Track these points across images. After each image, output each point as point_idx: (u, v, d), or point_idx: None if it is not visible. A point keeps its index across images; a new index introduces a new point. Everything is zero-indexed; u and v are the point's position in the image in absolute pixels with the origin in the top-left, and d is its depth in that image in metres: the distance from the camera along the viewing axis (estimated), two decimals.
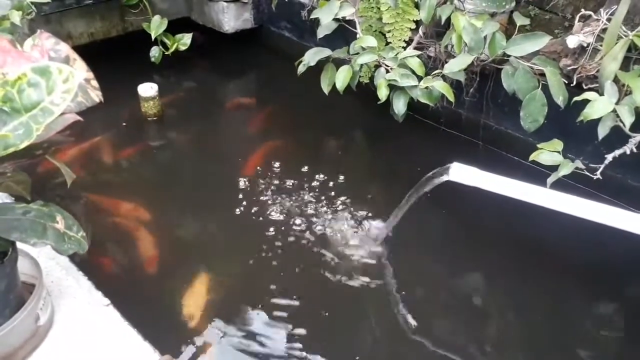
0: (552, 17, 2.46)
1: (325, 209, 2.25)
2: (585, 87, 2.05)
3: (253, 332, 1.77)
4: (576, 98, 1.86)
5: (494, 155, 2.55)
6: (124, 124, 2.81)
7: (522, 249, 2.08)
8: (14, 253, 1.28)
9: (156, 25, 3.03)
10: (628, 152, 1.87)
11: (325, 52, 2.40)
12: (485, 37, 2.08)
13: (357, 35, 2.40)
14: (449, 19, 2.17)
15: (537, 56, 2.09)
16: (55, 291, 1.51)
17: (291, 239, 2.11)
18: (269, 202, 2.28)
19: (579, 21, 2.09)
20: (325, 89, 2.40)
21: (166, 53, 3.11)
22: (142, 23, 3.10)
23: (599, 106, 1.78)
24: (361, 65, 2.34)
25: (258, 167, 2.49)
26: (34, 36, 1.29)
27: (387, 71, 2.24)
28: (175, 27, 3.16)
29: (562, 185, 1.78)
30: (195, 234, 2.16)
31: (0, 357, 1.29)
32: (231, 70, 3.43)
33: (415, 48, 2.42)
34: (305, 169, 2.47)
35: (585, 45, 2.05)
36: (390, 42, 2.54)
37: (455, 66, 2.12)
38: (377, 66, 2.30)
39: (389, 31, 2.53)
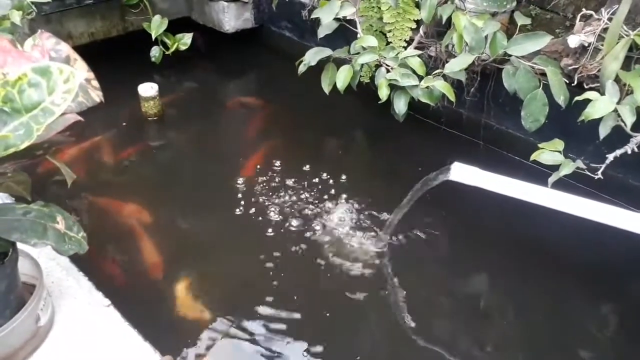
0: (553, 16, 2.46)
1: (325, 208, 2.25)
2: (586, 87, 2.05)
3: (254, 333, 1.76)
4: (577, 98, 1.86)
5: (494, 155, 2.54)
6: (124, 123, 2.81)
7: (522, 249, 2.08)
8: (14, 254, 1.28)
9: (156, 25, 3.03)
10: (629, 151, 1.87)
11: (326, 51, 2.40)
12: (486, 37, 2.08)
13: (358, 35, 2.40)
14: (449, 19, 2.17)
15: (538, 56, 2.09)
16: (55, 292, 1.51)
17: (291, 239, 2.11)
18: (269, 202, 2.28)
19: (580, 21, 2.09)
20: (326, 88, 2.39)
21: (166, 53, 3.11)
22: (142, 23, 3.10)
23: (600, 106, 1.78)
24: (362, 65, 2.34)
25: (258, 167, 2.49)
26: (35, 36, 1.29)
27: (388, 71, 2.24)
28: (175, 26, 3.16)
29: (563, 185, 1.78)
30: (196, 234, 2.16)
31: (1, 358, 1.29)
32: (232, 70, 3.43)
33: (416, 48, 2.42)
34: (305, 168, 2.47)
35: (586, 44, 2.05)
36: (391, 42, 2.53)
37: (456, 66, 2.12)
38: (378, 66, 2.30)
39: (389, 31, 2.53)
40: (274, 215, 2.21)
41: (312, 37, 2.90)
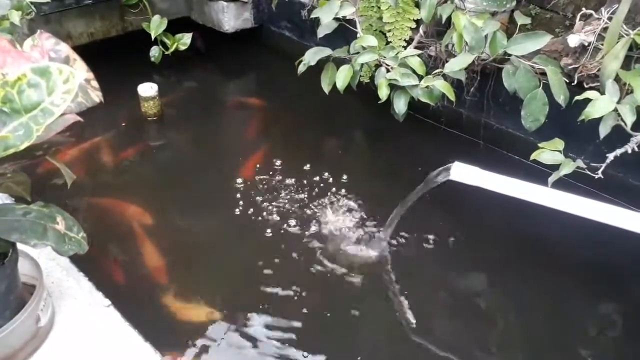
0: (553, 16, 2.46)
1: (325, 208, 2.25)
2: (586, 86, 2.05)
3: (254, 333, 1.76)
4: (577, 97, 1.85)
5: (494, 155, 2.54)
6: (124, 124, 2.80)
7: (522, 249, 2.08)
8: (14, 254, 1.28)
9: (156, 25, 3.03)
10: (629, 151, 1.86)
11: (326, 51, 2.40)
12: (486, 36, 2.08)
13: (358, 35, 2.40)
14: (449, 18, 2.16)
15: (538, 55, 2.09)
16: (55, 292, 1.51)
17: (291, 239, 2.11)
18: (269, 202, 2.28)
19: (580, 20, 2.08)
20: (326, 88, 2.39)
21: (166, 53, 3.10)
22: (142, 23, 3.10)
23: (600, 105, 1.78)
24: (362, 65, 2.34)
25: (258, 167, 2.48)
26: (34, 36, 1.29)
27: (388, 70, 2.24)
28: (175, 26, 3.15)
29: (564, 184, 1.78)
30: (196, 234, 2.15)
31: (1, 359, 1.29)
32: (231, 70, 3.42)
33: (415, 47, 2.42)
34: (305, 168, 2.47)
35: (586, 44, 2.05)
36: (390, 42, 2.53)
37: (456, 65, 2.12)
38: (378, 65, 2.30)
39: (389, 30, 2.53)
40: (274, 215, 2.21)
41: (312, 36, 2.90)
